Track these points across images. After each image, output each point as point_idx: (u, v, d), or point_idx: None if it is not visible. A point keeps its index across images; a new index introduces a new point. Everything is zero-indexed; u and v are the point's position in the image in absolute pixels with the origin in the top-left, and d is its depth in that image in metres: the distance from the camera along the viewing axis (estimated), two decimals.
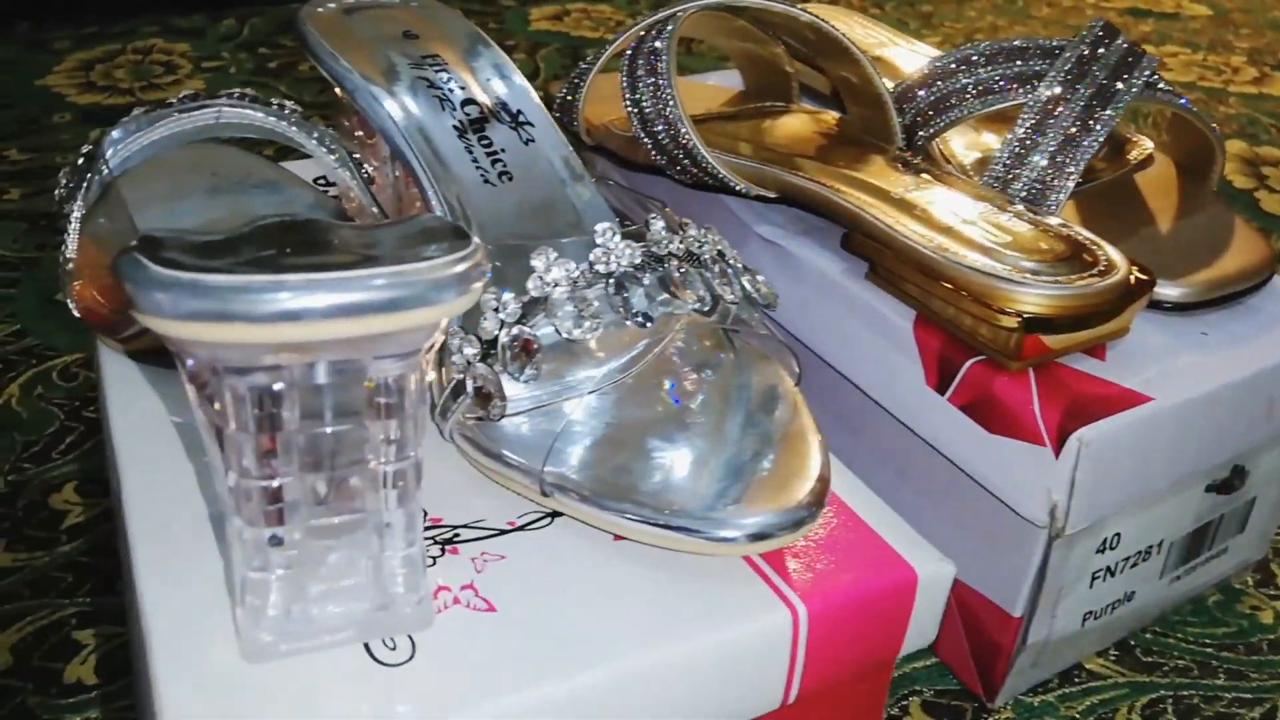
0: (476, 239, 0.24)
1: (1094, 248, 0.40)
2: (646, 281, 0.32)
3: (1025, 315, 0.37)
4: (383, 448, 0.24)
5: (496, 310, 0.32)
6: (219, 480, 0.27)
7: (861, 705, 0.36)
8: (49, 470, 0.56)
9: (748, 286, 0.35)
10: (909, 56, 0.58)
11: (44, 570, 0.50)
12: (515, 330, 0.31)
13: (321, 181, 0.53)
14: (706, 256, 0.34)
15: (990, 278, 0.38)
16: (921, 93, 0.50)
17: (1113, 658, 0.48)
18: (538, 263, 0.32)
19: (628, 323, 0.32)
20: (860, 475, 0.36)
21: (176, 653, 0.27)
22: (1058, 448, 0.37)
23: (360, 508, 0.25)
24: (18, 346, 0.66)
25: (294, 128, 0.43)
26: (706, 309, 0.33)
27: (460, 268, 0.23)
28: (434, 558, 0.31)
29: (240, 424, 0.23)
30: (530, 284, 0.32)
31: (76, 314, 0.39)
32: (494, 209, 0.41)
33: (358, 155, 0.44)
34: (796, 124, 0.55)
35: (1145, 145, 0.53)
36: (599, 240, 0.32)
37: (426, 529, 0.32)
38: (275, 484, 0.24)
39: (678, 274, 0.33)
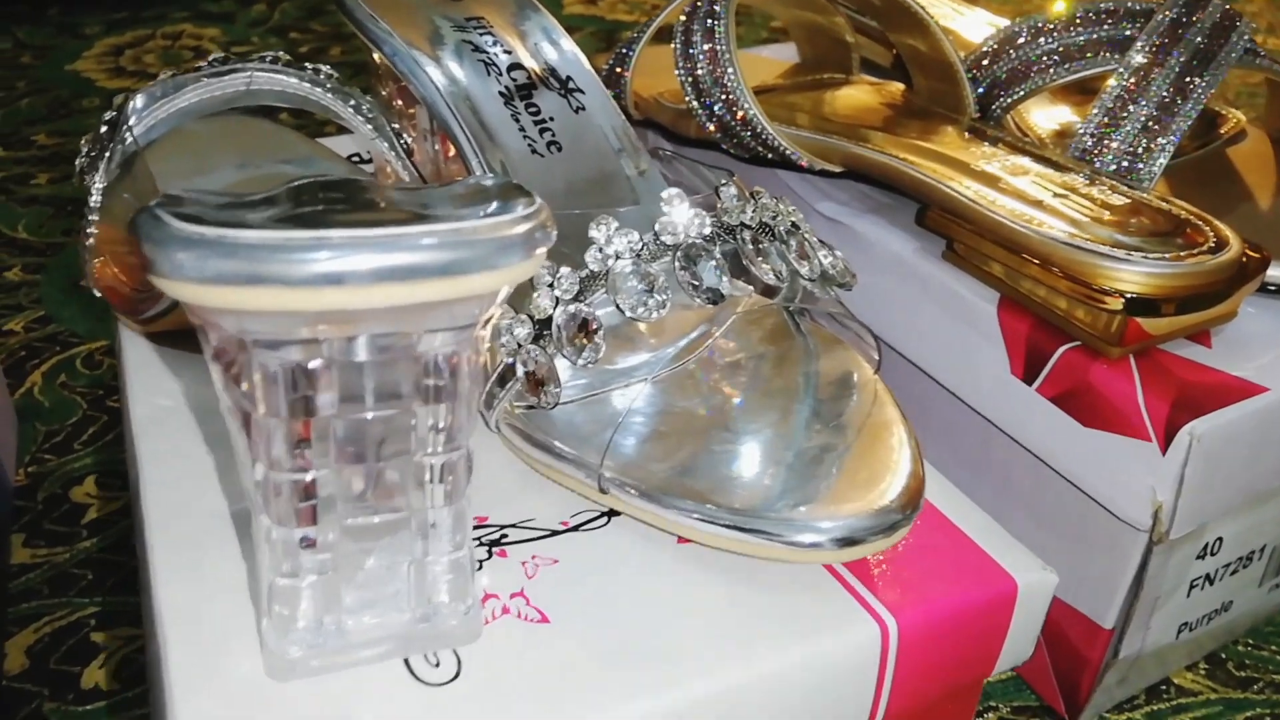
0: (541, 202, 0.21)
1: (1200, 223, 0.36)
2: (717, 254, 0.29)
3: (1129, 296, 0.34)
4: (430, 437, 0.21)
5: (551, 286, 0.29)
6: (245, 474, 0.24)
7: None
8: (70, 462, 0.53)
9: (824, 262, 0.32)
10: (978, 27, 0.55)
11: (63, 568, 0.47)
12: (572, 308, 0.28)
13: (356, 159, 0.51)
14: (781, 229, 0.31)
15: (1089, 254, 0.35)
16: (997, 61, 0.46)
17: (1204, 672, 0.44)
18: (597, 233, 0.29)
19: (696, 300, 0.28)
20: (941, 473, 0.33)
21: (195, 666, 0.24)
22: (1165, 443, 0.34)
23: (403, 505, 0.22)
24: (41, 334, 0.64)
25: (330, 94, 0.40)
26: (782, 286, 0.30)
27: (525, 226, 0.19)
28: (481, 561, 0.28)
29: (270, 407, 0.20)
30: (588, 257, 0.28)
31: (96, 293, 0.36)
32: (542, 181, 0.38)
33: (396, 125, 0.41)
34: (860, 95, 0.51)
35: (1237, 117, 0.49)
36: (664, 208, 0.29)
37: (473, 529, 0.29)
38: (309, 477, 0.21)
39: (751, 246, 0.29)
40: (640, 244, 0.28)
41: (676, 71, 0.47)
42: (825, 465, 0.28)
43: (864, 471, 0.28)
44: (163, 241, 0.18)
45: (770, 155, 0.46)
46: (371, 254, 0.18)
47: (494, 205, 0.20)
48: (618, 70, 0.51)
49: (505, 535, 0.29)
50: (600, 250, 0.28)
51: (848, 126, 0.47)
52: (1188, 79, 0.42)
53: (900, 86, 0.52)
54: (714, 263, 0.28)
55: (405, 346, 0.20)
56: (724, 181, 0.30)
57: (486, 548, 0.28)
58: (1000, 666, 0.30)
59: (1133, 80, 0.42)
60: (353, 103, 0.40)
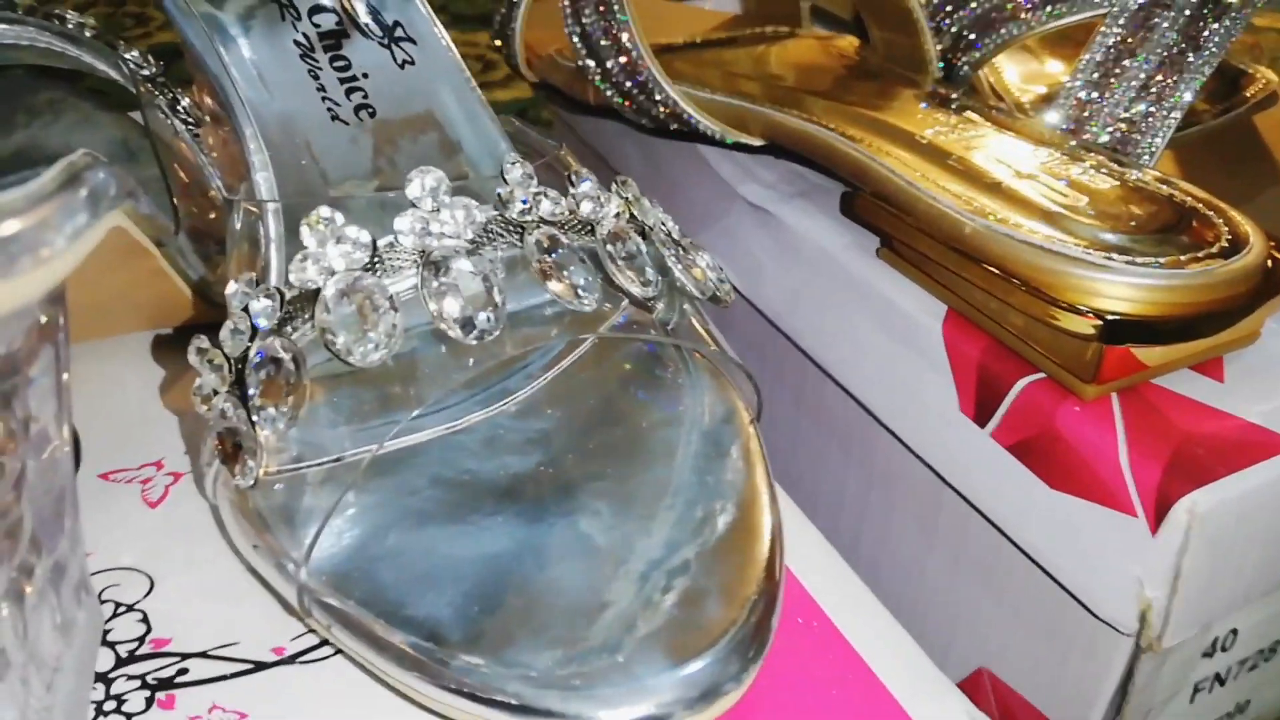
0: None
1: (1212, 214, 0.27)
2: (492, 261, 0.20)
3: (1109, 316, 0.24)
4: None
5: (246, 310, 0.20)
6: None
7: None
8: None
9: (679, 273, 0.23)
10: None
11: None
12: (267, 343, 0.19)
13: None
14: (605, 230, 0.22)
15: (1057, 257, 0.25)
16: (963, 6, 0.37)
17: None
18: (308, 237, 0.20)
19: (451, 335, 0.19)
20: (870, 527, 0.23)
21: None
22: (1155, 520, 0.24)
23: None
24: None
25: (88, 50, 0.31)
26: (586, 307, 0.21)
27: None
28: (135, 714, 0.19)
29: None
30: (292, 269, 0.20)
31: None
32: (346, 156, 0.29)
33: (172, 93, 0.32)
34: (802, 51, 0.42)
35: (1267, 78, 0.39)
36: (410, 190, 0.20)
37: (140, 656, 0.20)
38: None
39: (548, 257, 0.20)
40: (364, 253, 0.19)
41: (566, 27, 0.38)
42: (646, 600, 0.19)
43: (696, 607, 0.19)
44: None
45: (676, 125, 0.37)
46: None
47: None
48: (505, 18, 0.42)
49: (185, 670, 0.20)
50: (309, 259, 0.19)
51: (780, 90, 0.37)
52: (1200, 25, 0.32)
53: (853, 41, 0.43)
54: (481, 278, 0.19)
55: None
56: (512, 159, 0.21)
57: (149, 692, 0.20)
58: None
59: (1130, 27, 0.32)
60: (122, 60, 0.31)
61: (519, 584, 0.19)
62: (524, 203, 0.21)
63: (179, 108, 0.32)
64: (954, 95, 0.36)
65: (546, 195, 0.21)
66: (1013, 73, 0.39)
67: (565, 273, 0.20)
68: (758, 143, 0.36)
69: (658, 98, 0.36)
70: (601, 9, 0.37)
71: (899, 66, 0.39)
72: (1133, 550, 0.25)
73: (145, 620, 0.21)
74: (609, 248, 0.21)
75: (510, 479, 0.20)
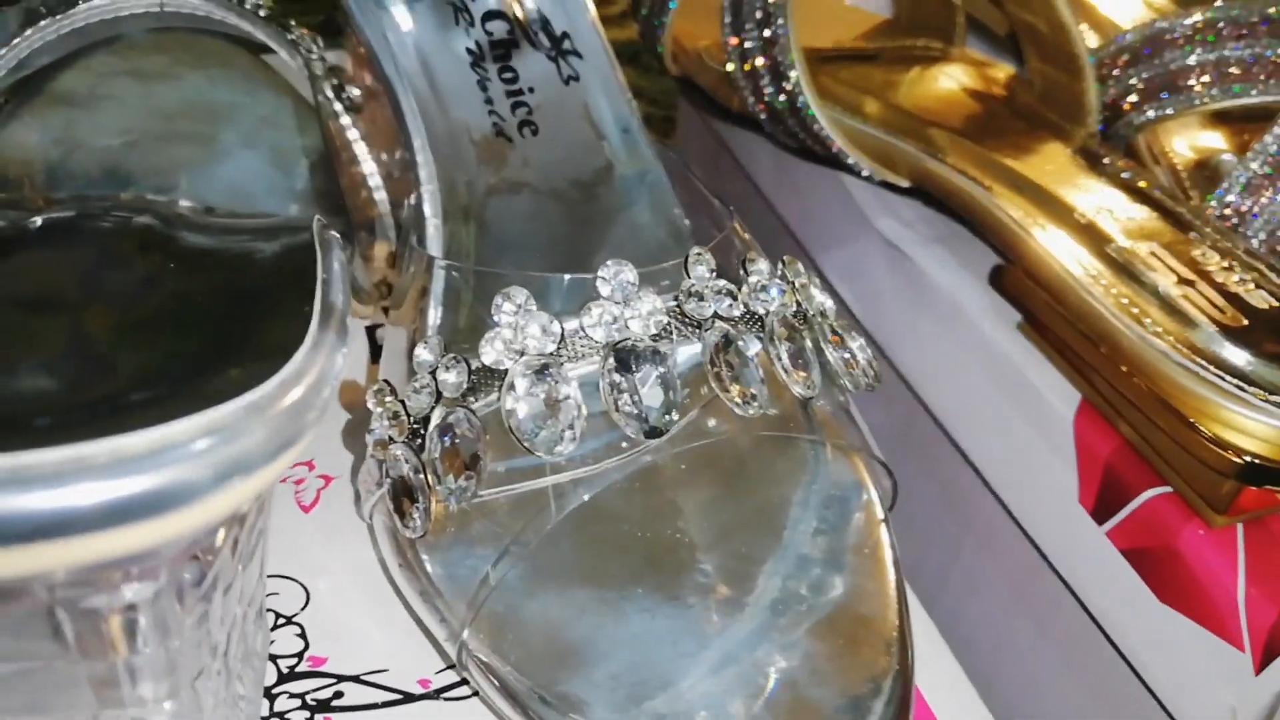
0: (306, 359, 0.13)
1: None
2: (667, 364, 0.20)
3: (1250, 460, 0.25)
4: (122, 689, 0.14)
5: (434, 374, 0.21)
6: None
7: None
8: None
9: (833, 360, 0.23)
10: (1133, 7, 0.43)
11: None
12: (454, 416, 0.20)
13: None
14: (774, 322, 0.22)
15: (1210, 386, 0.25)
16: (1136, 64, 0.36)
17: None
18: (502, 314, 0.20)
19: (627, 431, 0.20)
20: (967, 595, 0.24)
21: None
22: (1261, 660, 0.25)
23: None
24: None
25: (261, 27, 0.32)
26: (753, 412, 0.21)
27: (204, 443, 0.12)
28: None
29: None
30: (483, 346, 0.20)
31: None
32: (504, 175, 0.29)
33: (336, 78, 0.32)
34: (954, 78, 0.41)
35: None
36: (601, 286, 0.21)
37: (300, 674, 0.22)
38: None
39: (719, 354, 0.21)
40: (553, 340, 0.20)
41: (722, 30, 0.37)
42: (777, 684, 0.20)
43: (831, 694, 0.20)
44: None
45: (823, 152, 0.37)
46: None
47: (208, 370, 0.12)
48: (653, 9, 0.42)
49: (340, 694, 0.22)
50: (499, 338, 0.20)
51: (926, 123, 0.37)
52: None
53: (1009, 72, 0.42)
54: (659, 377, 0.20)
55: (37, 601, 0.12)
56: (697, 252, 0.22)
57: (308, 713, 0.21)
58: None
59: None
60: (291, 38, 0.32)
61: (664, 672, 0.20)
62: (697, 305, 0.21)
63: (344, 96, 0.32)
64: (1108, 156, 0.35)
65: (725, 293, 0.22)
66: (1173, 136, 0.38)
67: (738, 378, 0.21)
68: (905, 184, 0.36)
69: (811, 126, 0.36)
70: (764, 26, 0.36)
71: (1054, 110, 0.38)
72: (1233, 680, 0.25)
73: (303, 635, 0.23)
74: (776, 346, 0.22)
75: (658, 557, 0.21)
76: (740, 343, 0.21)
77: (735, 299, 0.22)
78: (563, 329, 0.20)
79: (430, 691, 0.22)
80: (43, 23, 0.30)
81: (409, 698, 0.22)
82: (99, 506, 0.11)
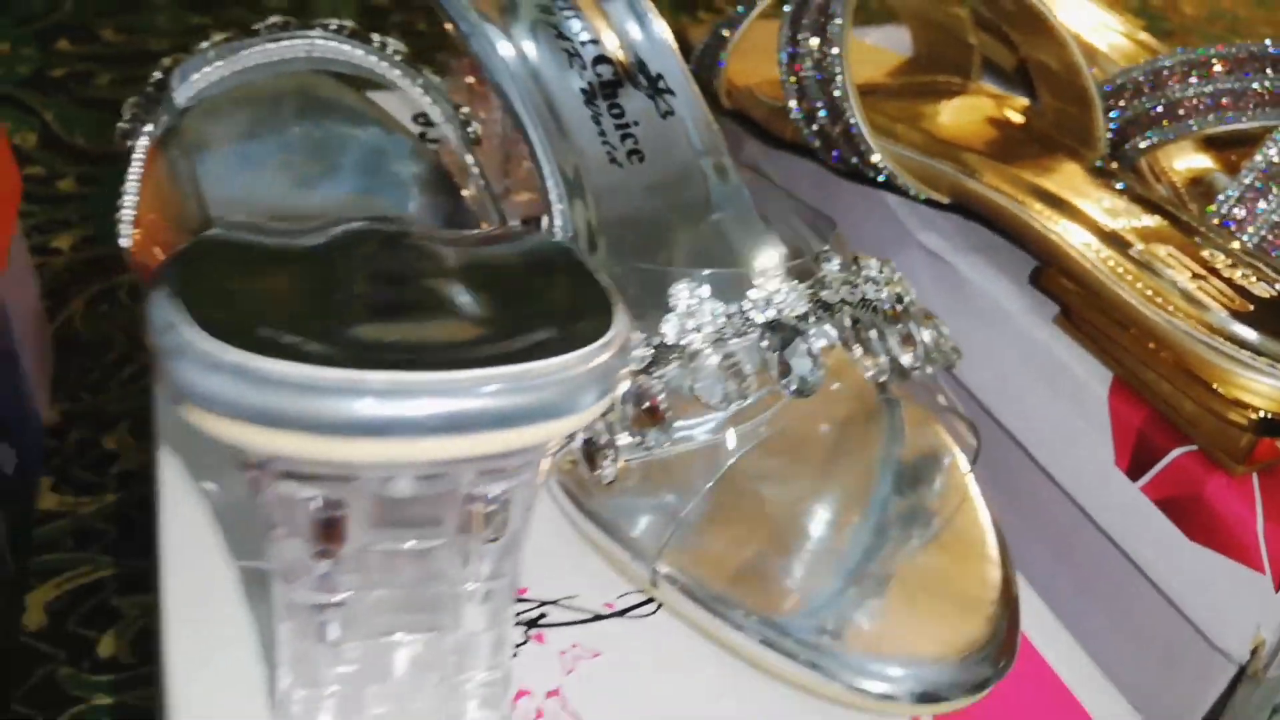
0: (620, 316, 0.18)
1: None
2: (812, 338, 0.25)
3: (1266, 414, 0.30)
4: (474, 565, 0.19)
5: None
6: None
7: None
8: (105, 405, 0.52)
9: (927, 340, 0.28)
10: (1126, 47, 0.49)
11: (88, 521, 0.46)
12: (640, 383, 0.25)
13: (422, 119, 0.47)
14: (885, 305, 0.28)
15: (1227, 359, 0.31)
16: (1139, 96, 0.42)
17: None
18: (678, 299, 0.25)
19: (783, 391, 0.25)
20: (1017, 556, 0.29)
21: None
22: (1279, 579, 0.30)
23: (437, 624, 0.20)
24: (88, 255, 0.62)
25: (396, 71, 0.37)
26: (882, 377, 0.26)
27: (600, 360, 0.16)
28: (517, 645, 0.25)
29: (293, 531, 0.17)
30: (665, 327, 0.25)
31: (132, 269, 0.34)
32: (618, 197, 0.34)
33: (466, 110, 0.37)
34: (977, 110, 0.47)
35: None
36: (757, 282, 0.26)
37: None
38: (333, 599, 0.18)
39: (851, 330, 0.26)
40: (724, 317, 0.25)
41: (780, 69, 0.43)
42: (908, 589, 0.25)
43: (950, 604, 0.25)
44: (184, 353, 0.15)
45: (872, 174, 0.42)
46: (420, 402, 0.15)
47: (555, 325, 0.17)
48: (712, 49, 0.47)
49: (545, 614, 0.26)
50: (680, 321, 0.25)
51: (958, 149, 0.42)
52: None
53: (1023, 103, 0.47)
54: (806, 348, 0.25)
55: (446, 486, 0.17)
56: (827, 249, 0.27)
57: (524, 627, 0.26)
58: None
59: None
60: (420, 81, 0.37)
61: (818, 577, 0.25)
62: (837, 289, 0.26)
63: (468, 130, 0.37)
64: (1119, 174, 0.40)
65: (848, 283, 0.27)
66: (1172, 158, 0.44)
67: (867, 349, 0.26)
68: (945, 200, 0.41)
69: (862, 150, 0.41)
70: (821, 64, 0.41)
71: (1067, 136, 0.44)
72: (1256, 599, 0.31)
73: None
74: (887, 326, 0.27)
75: (803, 494, 0.26)
76: (864, 323, 0.26)
77: (855, 288, 0.27)
78: (731, 312, 0.25)
79: (615, 611, 0.27)
80: (209, 67, 0.35)
81: (599, 616, 0.26)
82: (523, 408, 0.16)
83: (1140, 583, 0.34)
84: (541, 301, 0.18)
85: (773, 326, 0.25)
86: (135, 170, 0.33)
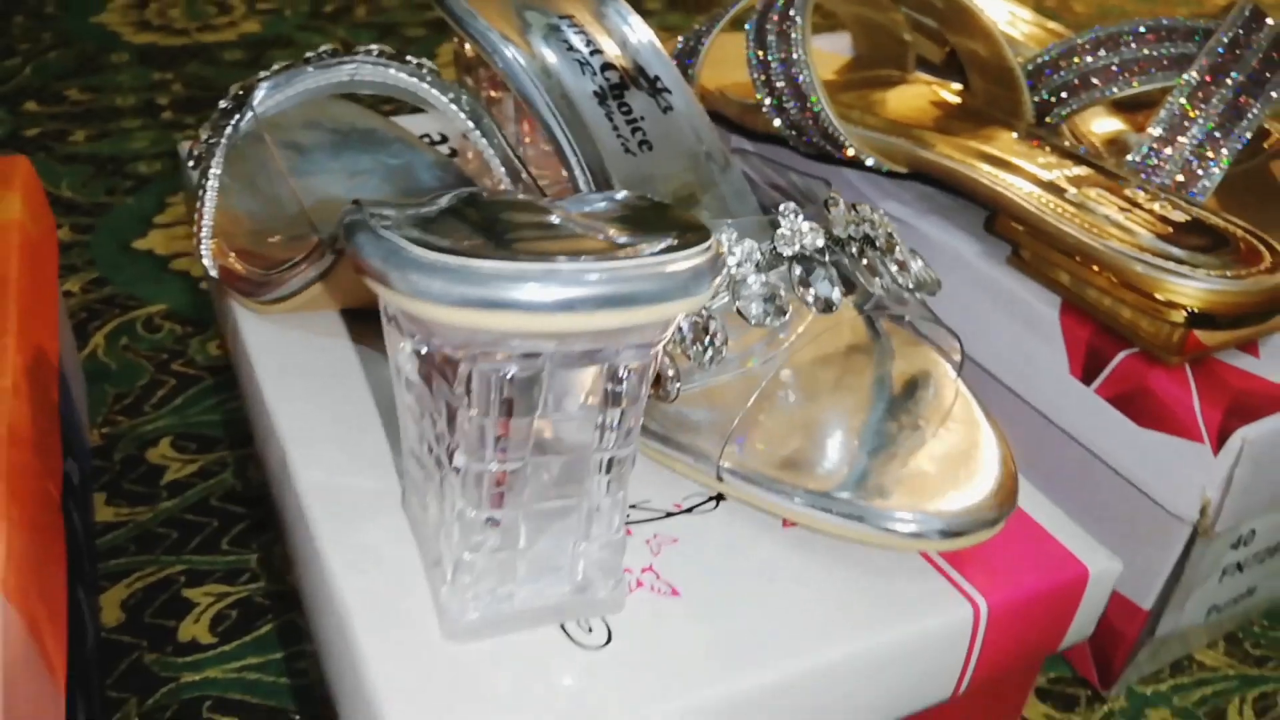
0: (710, 232, 0.23)
1: (1257, 242, 0.39)
2: (830, 266, 0.31)
3: (1191, 311, 0.37)
4: (608, 435, 0.24)
5: None
6: (410, 454, 0.26)
7: (1011, 695, 0.36)
8: (143, 424, 0.55)
9: (918, 269, 0.34)
10: (1036, 33, 0.57)
11: (147, 526, 0.50)
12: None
13: (427, 139, 0.52)
14: (880, 240, 0.34)
15: (1155, 269, 0.37)
16: (1057, 70, 0.49)
17: (1223, 650, 0.48)
18: (720, 240, 0.31)
19: (811, 309, 0.31)
20: None
21: (378, 632, 0.26)
22: (1217, 445, 0.37)
23: (577, 493, 0.25)
24: (99, 295, 0.66)
25: (431, 87, 0.42)
26: (885, 295, 0.32)
27: (708, 257, 0.22)
28: None
29: (482, 409, 0.22)
30: None
31: (213, 273, 0.38)
32: (635, 179, 0.40)
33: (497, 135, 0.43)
34: (919, 94, 0.53)
35: None
36: (783, 221, 0.31)
37: None
38: (506, 468, 0.23)
39: (864, 260, 0.32)
40: (759, 253, 0.31)
41: (750, 71, 0.49)
42: (924, 459, 0.30)
43: (961, 466, 0.30)
44: (407, 267, 0.20)
45: (837, 153, 0.48)
46: (596, 285, 0.20)
47: (672, 237, 0.22)
48: (685, 62, 0.53)
49: (628, 515, 0.31)
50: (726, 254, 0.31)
51: (909, 127, 0.49)
52: (1243, 99, 0.44)
53: (957, 87, 0.54)
54: (826, 274, 0.31)
55: (602, 359, 0.22)
56: (832, 197, 0.33)
57: None
58: (1066, 642, 0.33)
59: (1191, 98, 0.44)
60: (450, 94, 0.42)
61: (854, 456, 0.30)
62: (846, 227, 0.32)
63: (494, 141, 0.42)
64: (1047, 137, 0.47)
65: (853, 223, 0.33)
66: (1086, 120, 0.51)
67: (875, 273, 0.32)
68: (904, 170, 0.48)
69: (829, 132, 0.47)
70: (785, 58, 0.48)
71: (998, 111, 0.51)
72: (1199, 466, 0.37)
73: None
74: (885, 255, 0.33)
75: (830, 397, 0.32)
76: (869, 252, 0.32)
77: (858, 226, 0.33)
78: (763, 248, 0.31)
79: (683, 510, 0.32)
80: (275, 88, 0.39)
81: (670, 514, 0.32)
82: (666, 289, 0.21)
83: (1101, 469, 0.41)
84: (651, 225, 0.23)
85: (797, 258, 0.31)
86: (212, 185, 0.38)
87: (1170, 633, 0.43)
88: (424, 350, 0.22)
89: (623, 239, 0.22)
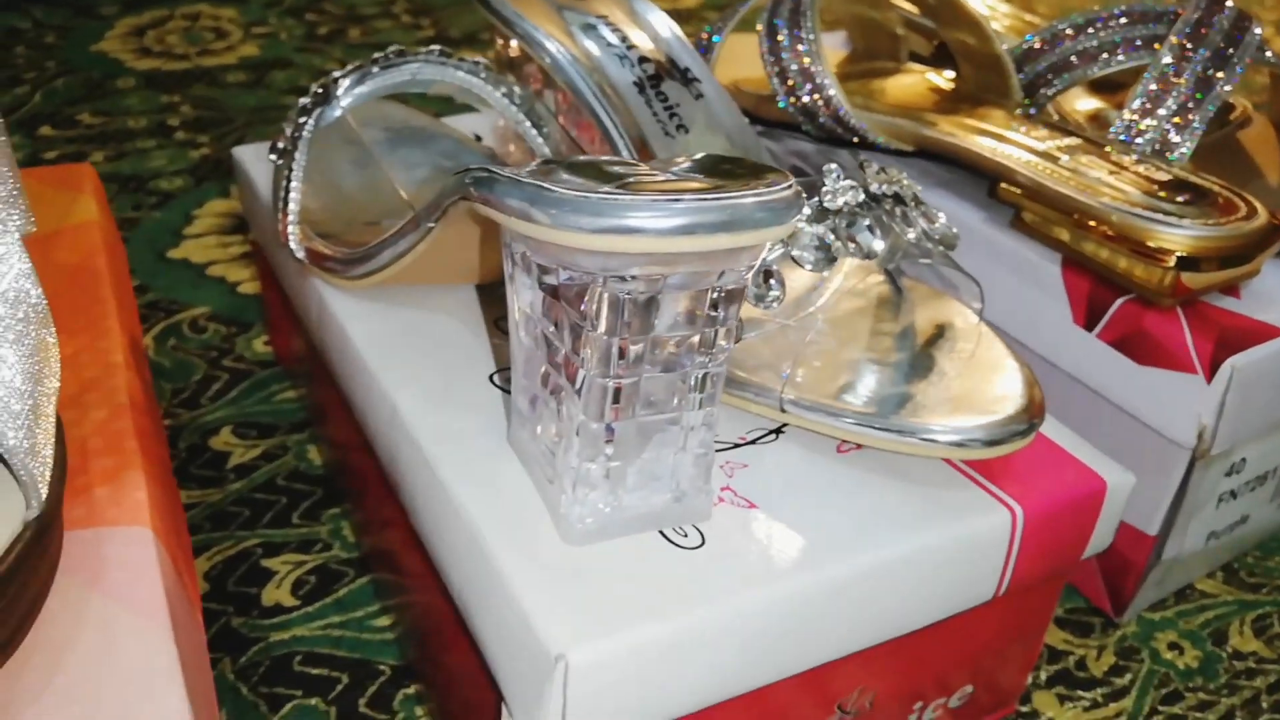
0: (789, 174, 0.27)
1: (1232, 195, 0.44)
2: (869, 220, 0.35)
3: (1180, 256, 0.41)
4: (704, 352, 0.28)
5: None
6: (520, 388, 0.30)
7: (1038, 609, 0.40)
8: (203, 415, 0.59)
9: (943, 222, 0.39)
10: (1015, 24, 0.62)
11: (219, 506, 0.53)
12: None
13: (477, 138, 0.56)
14: (909, 198, 0.38)
15: (1146, 220, 0.42)
16: (1044, 54, 0.54)
17: (1221, 579, 0.52)
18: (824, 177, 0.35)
19: (851, 257, 0.35)
20: None
21: (507, 540, 0.30)
22: (1210, 375, 0.41)
23: (675, 407, 0.29)
24: (142, 300, 0.69)
25: (484, 83, 0.46)
26: (917, 246, 0.36)
27: (794, 191, 0.26)
28: None
29: (610, 327, 0.26)
30: None
31: (299, 256, 0.42)
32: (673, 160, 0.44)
33: (543, 126, 0.47)
34: (914, 81, 0.58)
35: (1244, 105, 0.57)
36: (826, 180, 0.36)
37: None
38: (625, 381, 0.27)
39: (898, 212, 0.36)
40: (808, 209, 0.35)
41: (763, 62, 0.53)
42: (958, 383, 0.35)
43: (995, 387, 0.35)
44: (551, 204, 0.24)
45: (847, 135, 0.53)
46: (714, 212, 0.24)
47: (757, 179, 0.26)
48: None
49: None
50: None
51: (911, 109, 0.53)
52: (1209, 74, 0.49)
53: (950, 74, 0.59)
54: (869, 226, 0.35)
55: (707, 283, 0.26)
56: (865, 159, 0.37)
57: None
58: (1088, 551, 0.38)
59: (1164, 75, 0.49)
60: (503, 89, 0.46)
61: (902, 383, 0.34)
62: (879, 186, 0.36)
63: (543, 131, 0.46)
64: (1038, 115, 0.52)
65: (885, 182, 0.37)
66: (1071, 102, 0.56)
67: (908, 223, 0.36)
68: (910, 149, 0.52)
69: (840, 116, 0.52)
70: (797, 55, 0.52)
71: (989, 95, 0.55)
72: (1194, 395, 0.42)
73: None
74: (913, 209, 0.37)
75: (867, 334, 0.36)
76: (900, 207, 0.36)
77: (890, 185, 0.37)
78: (810, 203, 0.35)
79: (748, 441, 0.36)
80: (349, 88, 0.43)
81: (736, 445, 0.35)
82: (764, 217, 0.25)
83: (1106, 407, 0.45)
84: (733, 172, 0.27)
85: (840, 212, 0.35)
86: (297, 175, 0.41)
87: (1174, 558, 0.47)
88: (558, 281, 0.26)
89: (715, 182, 0.26)
